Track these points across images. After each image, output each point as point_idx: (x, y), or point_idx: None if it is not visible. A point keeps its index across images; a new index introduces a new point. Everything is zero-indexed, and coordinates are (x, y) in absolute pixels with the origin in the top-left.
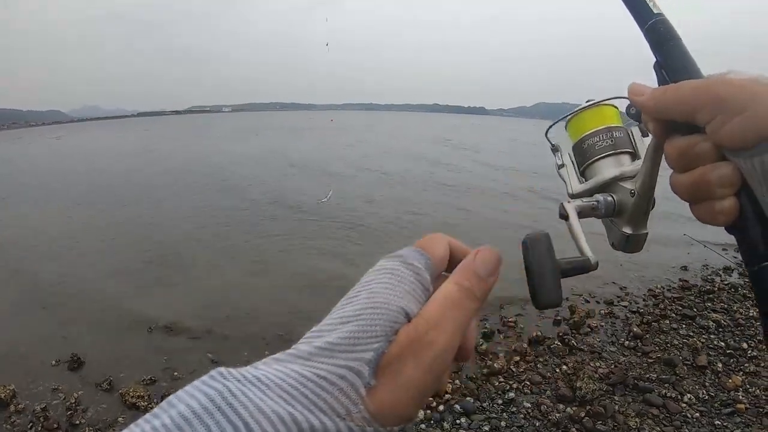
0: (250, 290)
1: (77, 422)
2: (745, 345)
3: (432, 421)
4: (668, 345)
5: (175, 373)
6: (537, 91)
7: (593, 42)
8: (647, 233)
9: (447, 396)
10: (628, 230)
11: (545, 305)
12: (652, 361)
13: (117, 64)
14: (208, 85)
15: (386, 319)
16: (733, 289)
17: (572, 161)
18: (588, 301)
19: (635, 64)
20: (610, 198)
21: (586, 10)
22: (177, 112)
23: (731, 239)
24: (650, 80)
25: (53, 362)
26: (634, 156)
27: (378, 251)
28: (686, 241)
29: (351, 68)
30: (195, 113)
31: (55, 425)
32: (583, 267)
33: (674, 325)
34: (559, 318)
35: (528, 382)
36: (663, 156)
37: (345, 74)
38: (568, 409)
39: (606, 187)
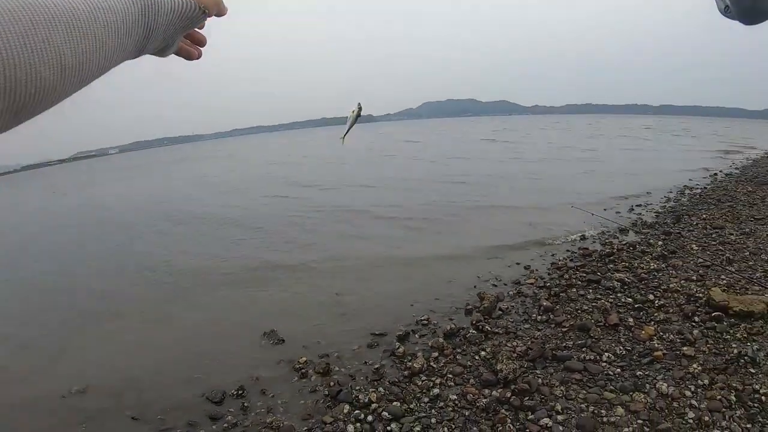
0: (156, 343)
1: None
2: (651, 296)
3: None
4: (579, 311)
5: None
6: (421, 92)
7: (466, 39)
8: None
9: (374, 405)
10: None
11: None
12: (566, 329)
13: None
14: (92, 129)
15: None
16: (631, 248)
17: None
18: (496, 285)
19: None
20: None
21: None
22: (62, 161)
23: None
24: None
25: None
26: None
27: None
28: (576, 212)
29: (236, 95)
30: (81, 159)
31: None
32: None
33: (581, 292)
34: (470, 307)
35: (450, 375)
36: None
37: (230, 102)
38: (494, 392)
39: None
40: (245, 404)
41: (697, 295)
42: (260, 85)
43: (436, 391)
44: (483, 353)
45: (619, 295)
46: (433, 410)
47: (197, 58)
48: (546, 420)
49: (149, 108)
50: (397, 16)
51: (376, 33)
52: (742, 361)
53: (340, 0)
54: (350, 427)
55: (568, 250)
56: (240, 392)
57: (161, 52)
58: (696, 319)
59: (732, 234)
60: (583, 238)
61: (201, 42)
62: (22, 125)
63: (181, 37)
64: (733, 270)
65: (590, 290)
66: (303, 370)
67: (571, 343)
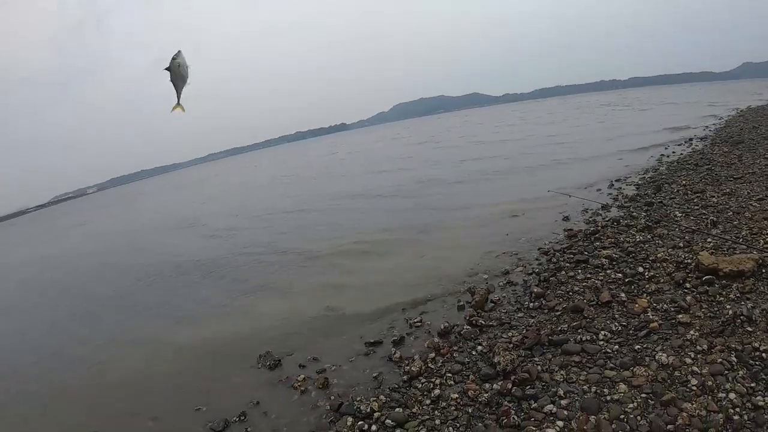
0: (152, 374)
1: None
2: (640, 269)
3: None
4: (570, 293)
5: None
6: (393, 93)
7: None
8: None
9: (376, 414)
10: None
11: None
12: (559, 313)
13: None
14: (68, 170)
15: None
16: (615, 223)
17: None
18: (485, 278)
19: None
20: None
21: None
22: (41, 206)
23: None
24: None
25: None
26: None
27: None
28: (553, 196)
29: (207, 119)
30: (61, 202)
31: None
32: None
33: (571, 274)
34: (461, 303)
35: (449, 374)
36: None
37: (202, 126)
38: (495, 385)
39: None
40: (249, 429)
41: (686, 261)
42: (230, 104)
43: (436, 391)
44: (479, 348)
45: (608, 271)
46: (436, 411)
47: None
48: (550, 406)
49: (127, 142)
50: (359, 18)
51: (338, 37)
52: (739, 321)
53: (305, 11)
54: None
55: (553, 233)
56: (242, 417)
57: None
58: (687, 285)
59: (713, 196)
60: (567, 219)
61: None
62: None
63: None
64: (718, 232)
65: (579, 271)
66: (302, 388)
67: (566, 326)
